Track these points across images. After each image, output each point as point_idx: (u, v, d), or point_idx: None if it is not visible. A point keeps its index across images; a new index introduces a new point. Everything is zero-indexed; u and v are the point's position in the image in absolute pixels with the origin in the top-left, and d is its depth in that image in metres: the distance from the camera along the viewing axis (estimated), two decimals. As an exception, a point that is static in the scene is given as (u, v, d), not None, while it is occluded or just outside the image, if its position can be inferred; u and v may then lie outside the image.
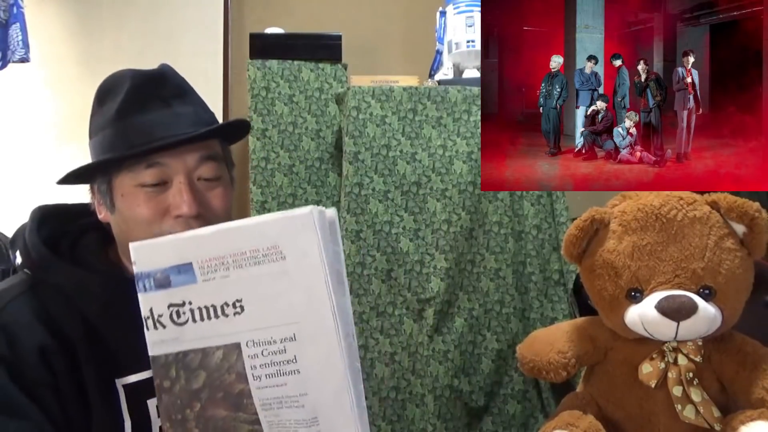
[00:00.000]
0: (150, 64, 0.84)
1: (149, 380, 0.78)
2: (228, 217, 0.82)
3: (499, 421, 1.69)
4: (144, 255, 0.55)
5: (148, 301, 0.54)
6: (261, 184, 1.84)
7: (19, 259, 0.81)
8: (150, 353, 0.55)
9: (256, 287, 0.51)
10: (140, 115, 0.77)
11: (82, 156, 0.84)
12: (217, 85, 2.12)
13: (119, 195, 0.78)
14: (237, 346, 0.51)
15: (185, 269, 0.53)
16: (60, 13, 2.12)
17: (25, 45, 1.80)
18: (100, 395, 0.75)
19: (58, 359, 0.73)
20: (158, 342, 0.54)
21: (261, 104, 1.86)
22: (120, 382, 0.77)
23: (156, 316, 0.54)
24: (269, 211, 1.82)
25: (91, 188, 0.83)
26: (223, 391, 0.52)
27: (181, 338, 0.53)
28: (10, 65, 1.82)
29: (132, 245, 0.57)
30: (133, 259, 0.57)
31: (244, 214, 2.02)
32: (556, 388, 1.68)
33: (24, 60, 1.81)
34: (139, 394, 0.79)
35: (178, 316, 0.53)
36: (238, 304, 0.51)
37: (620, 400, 0.90)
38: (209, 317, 0.52)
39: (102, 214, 0.83)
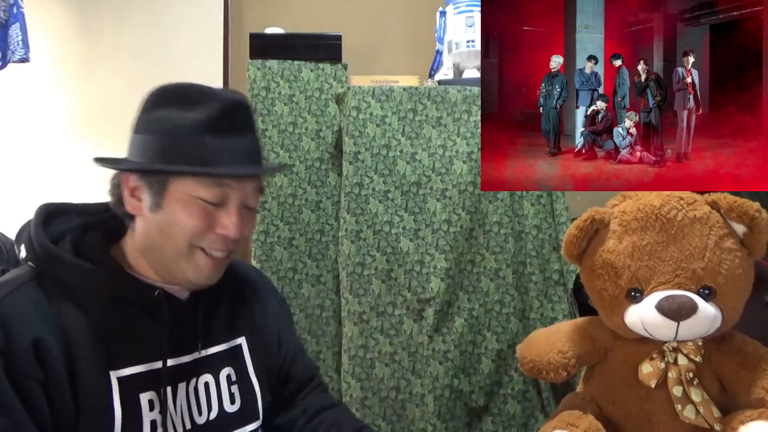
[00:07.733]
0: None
1: (144, 374, 0.81)
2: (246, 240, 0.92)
3: (499, 421, 1.69)
4: None
5: None
6: (261, 184, 1.84)
7: (23, 254, 0.83)
8: None
9: None
10: (223, 138, 0.81)
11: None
12: (217, 85, 2.11)
13: (173, 199, 0.81)
14: None
15: None
16: (60, 13, 2.12)
17: (25, 45, 1.80)
18: (93, 385, 0.77)
19: (52, 353, 0.74)
20: None
21: (261, 104, 1.86)
22: (114, 374, 0.79)
23: None
24: (269, 211, 1.82)
25: (126, 181, 0.84)
26: None
27: None
28: (10, 65, 1.82)
29: None
30: None
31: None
32: (556, 388, 1.68)
33: (24, 60, 1.80)
34: (133, 387, 0.80)
35: None
36: None
37: (620, 400, 0.90)
38: None
39: (132, 207, 0.84)
